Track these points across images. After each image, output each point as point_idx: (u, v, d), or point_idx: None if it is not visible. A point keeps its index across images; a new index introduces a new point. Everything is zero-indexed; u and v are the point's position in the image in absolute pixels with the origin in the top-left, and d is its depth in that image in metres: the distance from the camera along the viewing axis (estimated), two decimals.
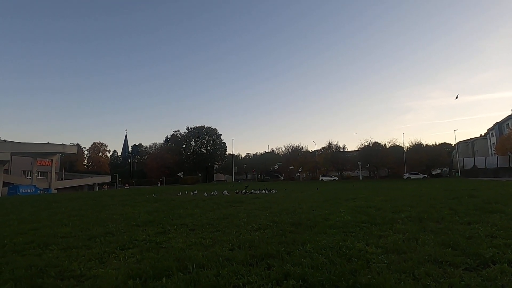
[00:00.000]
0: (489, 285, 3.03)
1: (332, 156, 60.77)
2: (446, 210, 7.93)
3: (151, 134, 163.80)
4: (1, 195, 40.78)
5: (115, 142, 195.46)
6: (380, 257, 3.99)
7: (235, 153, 78.52)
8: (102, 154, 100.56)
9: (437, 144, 66.02)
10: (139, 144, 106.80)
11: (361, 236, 5.23)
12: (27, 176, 58.34)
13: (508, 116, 61.09)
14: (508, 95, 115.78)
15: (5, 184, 46.80)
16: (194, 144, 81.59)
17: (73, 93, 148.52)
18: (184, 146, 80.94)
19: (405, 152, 57.03)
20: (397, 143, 59.77)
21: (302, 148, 68.82)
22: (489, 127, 72.55)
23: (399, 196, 13.10)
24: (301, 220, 7.02)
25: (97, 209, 11.54)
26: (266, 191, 20.02)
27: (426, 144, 59.30)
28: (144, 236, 5.87)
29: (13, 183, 48.45)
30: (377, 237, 5.13)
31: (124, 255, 4.59)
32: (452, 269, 3.47)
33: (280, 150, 74.03)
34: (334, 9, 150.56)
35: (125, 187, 60.73)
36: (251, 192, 19.34)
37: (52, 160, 53.66)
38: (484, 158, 56.86)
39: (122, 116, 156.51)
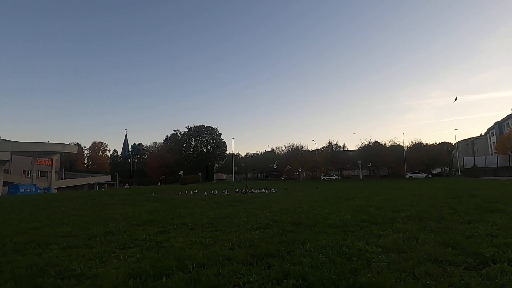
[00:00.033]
0: (489, 284, 3.02)
1: (332, 156, 60.74)
2: (446, 209, 7.93)
3: (151, 134, 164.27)
4: (1, 194, 40.83)
5: (115, 142, 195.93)
6: (380, 256, 3.99)
7: (235, 153, 78.61)
8: (102, 154, 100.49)
9: (437, 143, 65.97)
10: (139, 143, 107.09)
11: (361, 236, 5.23)
12: (27, 175, 58.43)
13: (508, 115, 60.97)
14: (508, 95, 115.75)
15: (5, 183, 46.84)
16: (194, 144, 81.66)
17: (73, 93, 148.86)
18: (184, 145, 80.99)
19: (405, 152, 57.00)
20: (397, 143, 59.82)
21: (302, 148, 68.68)
22: (489, 126, 72.57)
23: (399, 195, 13.08)
24: (301, 220, 7.02)
25: (97, 208, 11.54)
26: (266, 191, 20.00)
27: (426, 144, 59.30)
28: (144, 236, 5.87)
29: (13, 183, 48.50)
30: (377, 236, 5.13)
31: (124, 254, 4.60)
32: (452, 268, 3.47)
33: (280, 149, 73.89)
34: (334, 9, 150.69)
35: (125, 187, 60.80)
36: (251, 191, 19.34)
37: (52, 159, 53.63)
38: (484, 157, 56.87)
39: (122, 116, 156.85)
